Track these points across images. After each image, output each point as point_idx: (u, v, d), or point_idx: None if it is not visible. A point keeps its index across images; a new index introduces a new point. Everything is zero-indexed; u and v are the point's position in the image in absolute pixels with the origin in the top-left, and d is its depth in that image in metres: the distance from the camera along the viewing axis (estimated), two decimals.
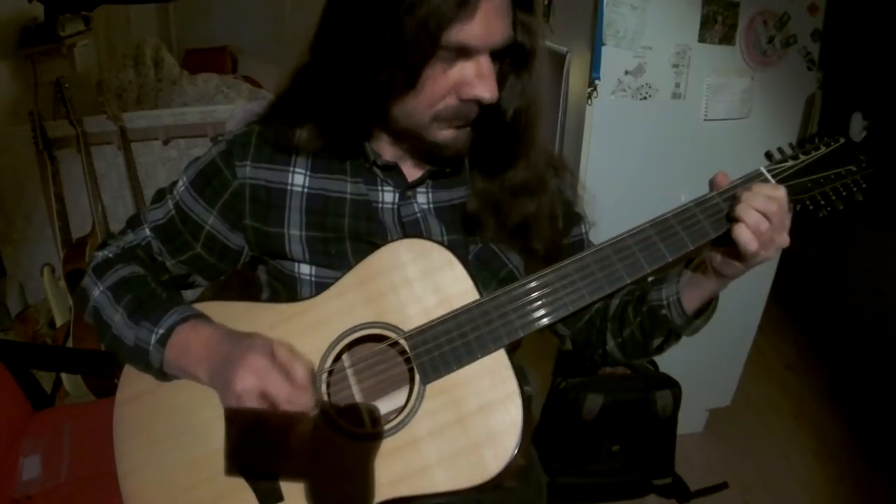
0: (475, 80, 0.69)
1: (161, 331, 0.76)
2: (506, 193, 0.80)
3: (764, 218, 0.68)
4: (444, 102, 0.71)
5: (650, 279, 0.82)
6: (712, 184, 0.74)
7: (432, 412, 0.72)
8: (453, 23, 0.65)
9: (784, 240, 0.70)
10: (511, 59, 0.74)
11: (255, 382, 0.66)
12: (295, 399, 0.65)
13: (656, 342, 0.82)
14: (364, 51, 0.69)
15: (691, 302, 0.78)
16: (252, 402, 0.66)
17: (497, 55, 0.71)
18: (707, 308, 0.79)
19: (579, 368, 1.74)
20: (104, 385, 1.76)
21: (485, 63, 0.69)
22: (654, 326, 0.80)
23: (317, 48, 0.75)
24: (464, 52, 0.69)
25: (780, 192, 0.69)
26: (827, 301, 2.86)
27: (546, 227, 0.82)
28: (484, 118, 0.75)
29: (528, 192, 0.80)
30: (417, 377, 0.73)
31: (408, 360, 0.74)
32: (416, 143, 0.78)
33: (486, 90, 0.70)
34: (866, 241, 2.64)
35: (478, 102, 0.71)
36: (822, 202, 0.75)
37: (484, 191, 0.81)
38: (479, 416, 0.71)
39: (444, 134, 0.74)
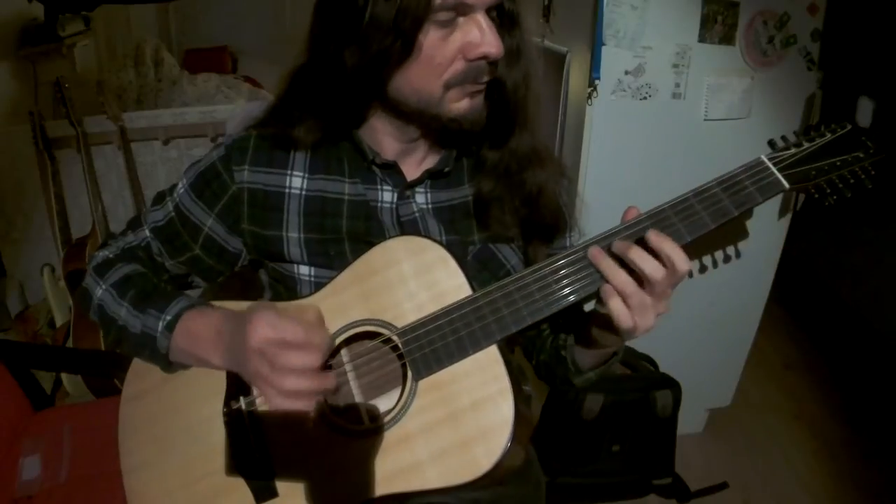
0: (478, 37, 0.70)
1: (168, 317, 0.76)
2: (517, 163, 0.81)
3: (633, 284, 0.67)
4: (453, 68, 0.72)
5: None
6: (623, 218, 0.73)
7: (424, 409, 0.72)
8: None
9: (663, 308, 0.69)
10: (500, 23, 0.75)
11: (269, 332, 0.66)
12: (312, 338, 0.67)
13: (559, 376, 0.85)
14: (358, 24, 0.69)
15: (583, 361, 0.80)
16: (272, 350, 0.66)
17: (493, 17, 0.72)
18: (603, 363, 0.81)
19: None
20: (104, 385, 1.76)
21: (483, 19, 0.70)
22: (557, 363, 0.83)
23: (313, 35, 0.75)
24: (460, 10, 0.69)
25: (683, 266, 0.66)
26: (827, 301, 2.86)
27: (553, 195, 0.83)
28: (489, 88, 0.76)
29: (537, 160, 0.82)
30: (410, 374, 0.73)
31: (401, 357, 0.74)
32: (428, 125, 0.77)
33: (491, 45, 0.70)
34: (866, 241, 2.63)
35: (486, 60, 0.71)
36: (829, 190, 0.72)
37: (495, 164, 0.82)
38: (470, 412, 0.70)
39: (460, 105, 0.75)
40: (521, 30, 0.77)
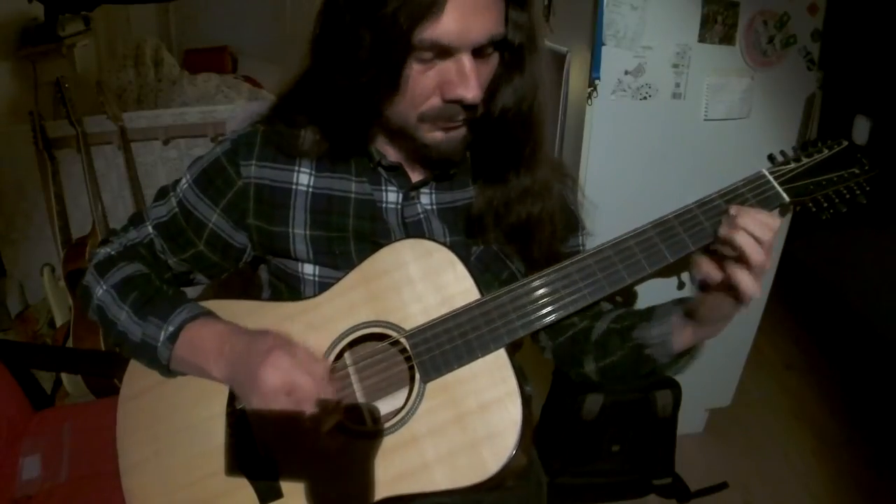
0: (456, 79, 0.67)
1: (171, 328, 0.76)
2: (510, 198, 0.79)
3: (762, 251, 0.65)
4: (429, 103, 0.70)
5: (642, 310, 0.81)
6: None
7: (432, 410, 0.72)
8: (424, 20, 0.63)
9: (767, 264, 0.67)
10: (506, 58, 0.72)
11: (281, 380, 0.67)
12: (320, 395, 0.68)
13: (638, 373, 0.81)
14: (351, 52, 0.68)
15: (679, 344, 0.75)
16: (278, 400, 0.68)
17: (488, 54, 0.70)
18: (693, 349, 0.77)
19: None
20: (104, 385, 1.76)
21: (466, 62, 0.67)
22: (638, 362, 0.79)
23: (314, 52, 0.75)
24: (442, 52, 0.67)
25: (777, 222, 0.66)
26: (827, 301, 2.86)
27: (546, 232, 0.81)
28: (483, 120, 0.73)
29: (531, 196, 0.79)
30: (418, 376, 0.73)
31: (408, 359, 0.75)
32: (410, 145, 0.77)
33: (467, 90, 0.67)
34: (867, 241, 2.63)
35: (461, 103, 0.69)
36: (825, 204, 0.75)
37: (490, 196, 0.80)
38: (478, 414, 0.71)
39: (433, 136, 0.73)
40: (524, 66, 0.73)
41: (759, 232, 0.65)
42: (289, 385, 0.68)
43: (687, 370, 0.81)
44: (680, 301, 0.77)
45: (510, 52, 0.72)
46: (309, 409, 0.68)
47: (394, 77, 0.68)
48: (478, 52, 0.68)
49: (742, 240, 0.64)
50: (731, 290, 0.67)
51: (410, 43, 0.65)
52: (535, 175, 0.79)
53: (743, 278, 0.65)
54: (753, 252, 0.64)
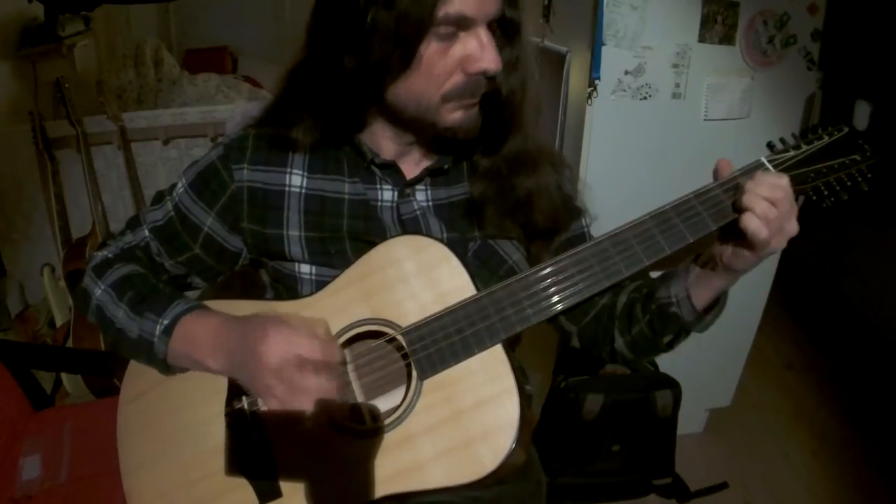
0: (478, 52, 0.70)
1: (166, 321, 0.76)
2: (508, 167, 0.81)
3: (772, 206, 0.67)
4: (452, 81, 0.72)
5: (658, 275, 0.82)
6: (716, 172, 0.73)
7: (429, 408, 0.72)
8: None
9: (793, 227, 0.69)
10: (501, 33, 0.75)
11: (287, 349, 0.67)
12: (328, 353, 0.68)
13: (666, 339, 0.81)
14: (361, 33, 0.69)
15: (701, 299, 0.76)
16: (290, 370, 0.67)
17: (495, 29, 0.73)
18: (717, 304, 0.78)
19: (580, 367, 1.74)
20: (104, 385, 1.76)
21: (484, 34, 0.70)
22: (664, 324, 0.79)
23: (312, 36, 0.75)
24: (462, 25, 0.69)
25: (784, 181, 0.68)
26: (827, 301, 2.86)
27: (547, 198, 0.82)
28: (486, 95, 0.76)
29: (529, 163, 0.81)
30: (415, 373, 0.73)
31: (405, 356, 0.74)
32: (424, 132, 0.78)
33: (490, 61, 0.70)
34: (866, 241, 2.63)
35: (484, 75, 0.72)
36: (826, 192, 0.73)
37: (487, 170, 0.82)
38: (475, 412, 0.70)
39: (455, 116, 0.75)
40: (522, 39, 0.77)
41: (770, 193, 0.67)
42: (294, 351, 0.67)
43: (713, 323, 0.80)
44: (696, 258, 0.77)
45: (506, 27, 0.75)
46: (319, 375, 0.67)
47: (409, 54, 0.69)
48: (489, 27, 0.71)
49: (755, 203, 0.67)
50: (744, 238, 0.69)
51: (433, 19, 0.67)
52: (528, 141, 0.82)
53: (751, 223, 0.67)
54: (767, 211, 0.66)
